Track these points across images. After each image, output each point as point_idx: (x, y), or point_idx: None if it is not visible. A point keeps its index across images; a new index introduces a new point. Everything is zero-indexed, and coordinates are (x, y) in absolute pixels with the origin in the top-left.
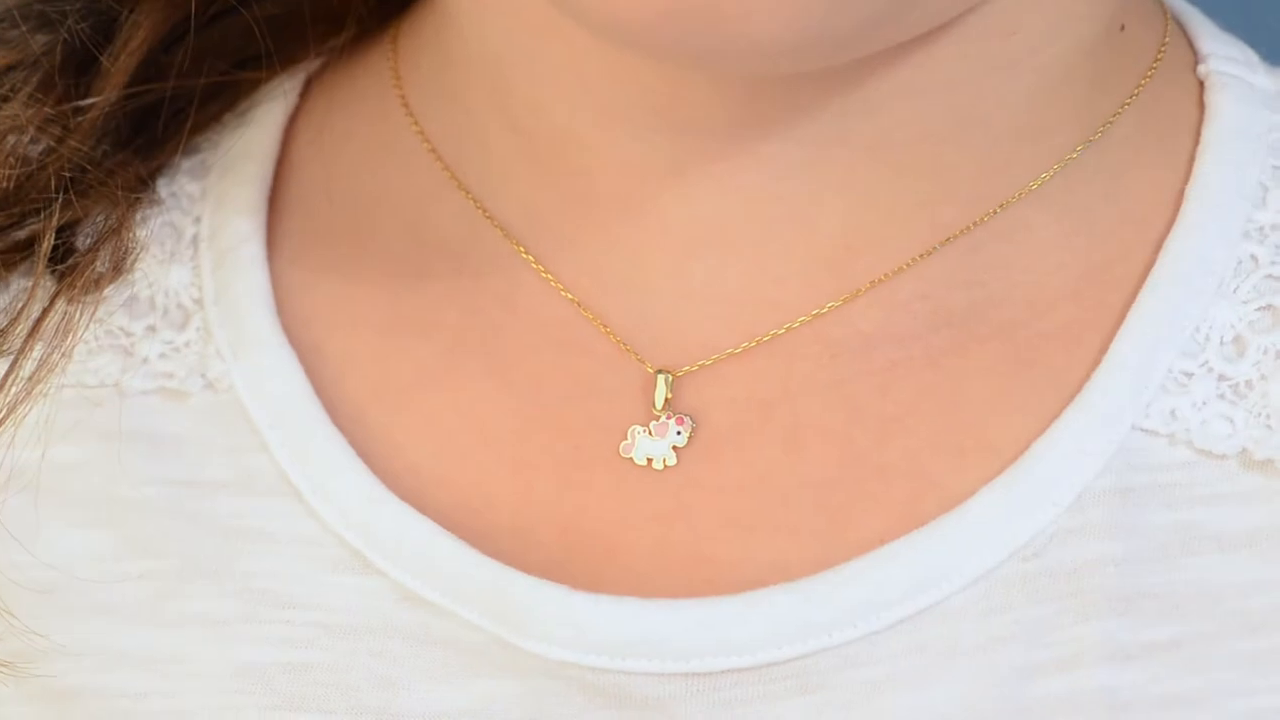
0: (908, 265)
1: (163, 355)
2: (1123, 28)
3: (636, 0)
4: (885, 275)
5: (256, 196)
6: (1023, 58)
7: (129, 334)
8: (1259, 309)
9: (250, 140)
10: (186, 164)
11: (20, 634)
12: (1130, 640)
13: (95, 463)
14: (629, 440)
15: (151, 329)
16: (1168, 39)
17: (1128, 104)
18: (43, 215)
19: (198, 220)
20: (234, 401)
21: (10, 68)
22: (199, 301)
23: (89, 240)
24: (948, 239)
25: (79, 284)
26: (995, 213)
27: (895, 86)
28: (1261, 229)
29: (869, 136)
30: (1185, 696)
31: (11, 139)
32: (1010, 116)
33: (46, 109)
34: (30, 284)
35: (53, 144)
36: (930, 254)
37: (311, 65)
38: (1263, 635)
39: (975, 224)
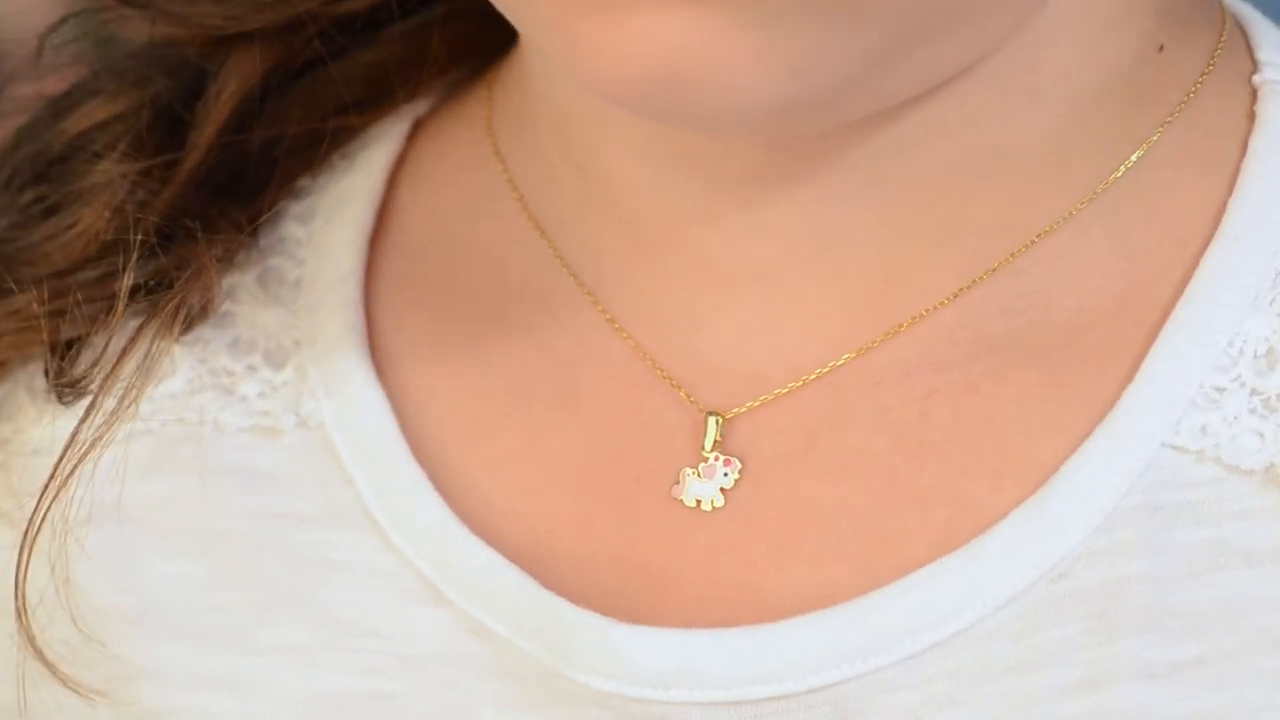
0: (950, 297)
1: (261, 394)
2: (1161, 48)
3: (613, 67)
4: (928, 307)
5: (358, 238)
6: (1046, 89)
7: (230, 373)
8: None
9: (356, 185)
10: (295, 209)
11: (110, 660)
12: (1157, 658)
13: (192, 495)
14: (680, 483)
15: (252, 369)
16: (1219, 51)
17: (1168, 122)
18: (128, 260)
19: (302, 263)
20: (324, 438)
21: (111, 120)
22: (298, 342)
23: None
24: (989, 269)
25: (162, 319)
26: (1035, 241)
27: (921, 129)
28: None
29: (899, 176)
30: (1212, 713)
31: (108, 191)
32: (1040, 146)
33: (142, 163)
34: (134, 326)
35: (148, 196)
36: (971, 285)
37: (419, 108)
38: None
39: (1015, 253)
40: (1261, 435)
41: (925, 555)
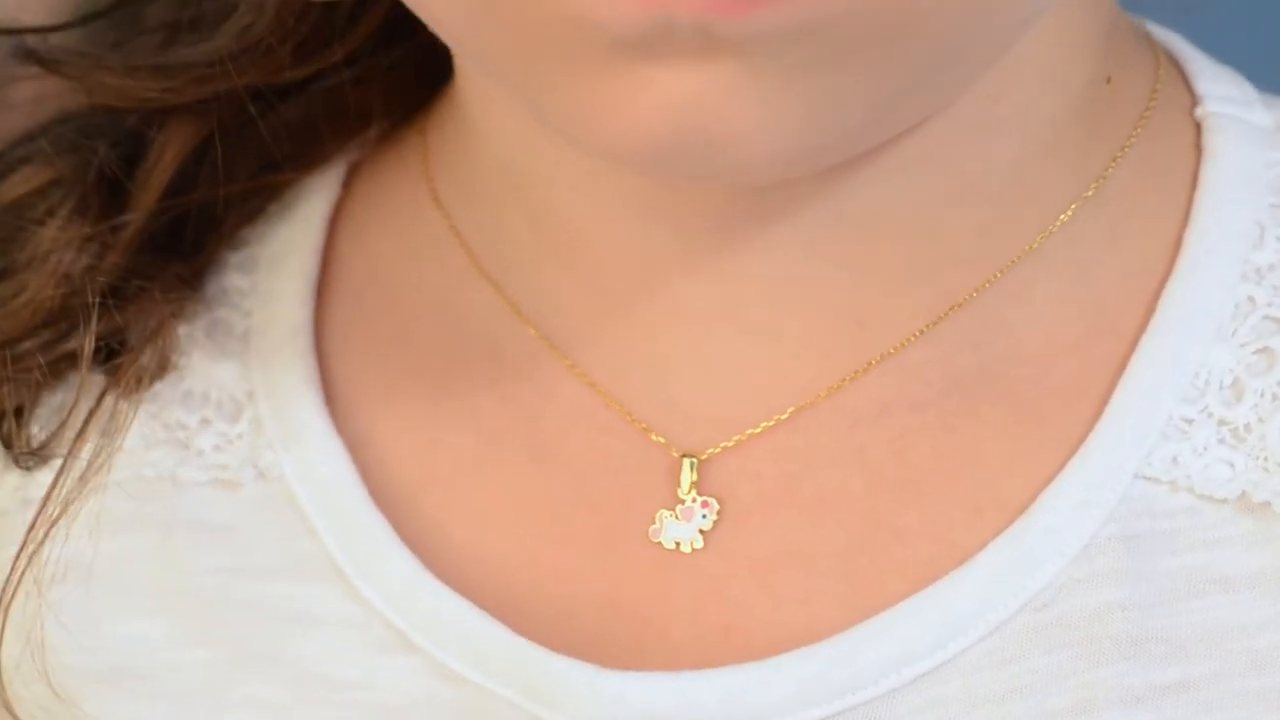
0: (919, 333)
1: (217, 447)
2: (1109, 80)
3: (632, 129)
4: (897, 344)
5: (304, 290)
6: (1009, 121)
7: (184, 427)
8: (1256, 351)
9: (296, 234)
10: (235, 259)
11: None
12: (1140, 683)
13: (153, 553)
14: (657, 525)
15: (206, 422)
16: (1159, 84)
17: (1119, 156)
18: (86, 327)
19: (248, 315)
20: (284, 490)
21: (47, 186)
22: (250, 395)
23: (133, 341)
24: (954, 305)
25: (124, 383)
26: (998, 276)
27: (886, 164)
28: (1259, 270)
29: (862, 215)
30: None
31: (54, 258)
32: (1003, 180)
33: (85, 229)
34: (93, 388)
35: (94, 260)
36: (939, 320)
37: (353, 155)
38: (1268, 673)
39: (980, 288)
40: (1232, 465)
41: (907, 591)
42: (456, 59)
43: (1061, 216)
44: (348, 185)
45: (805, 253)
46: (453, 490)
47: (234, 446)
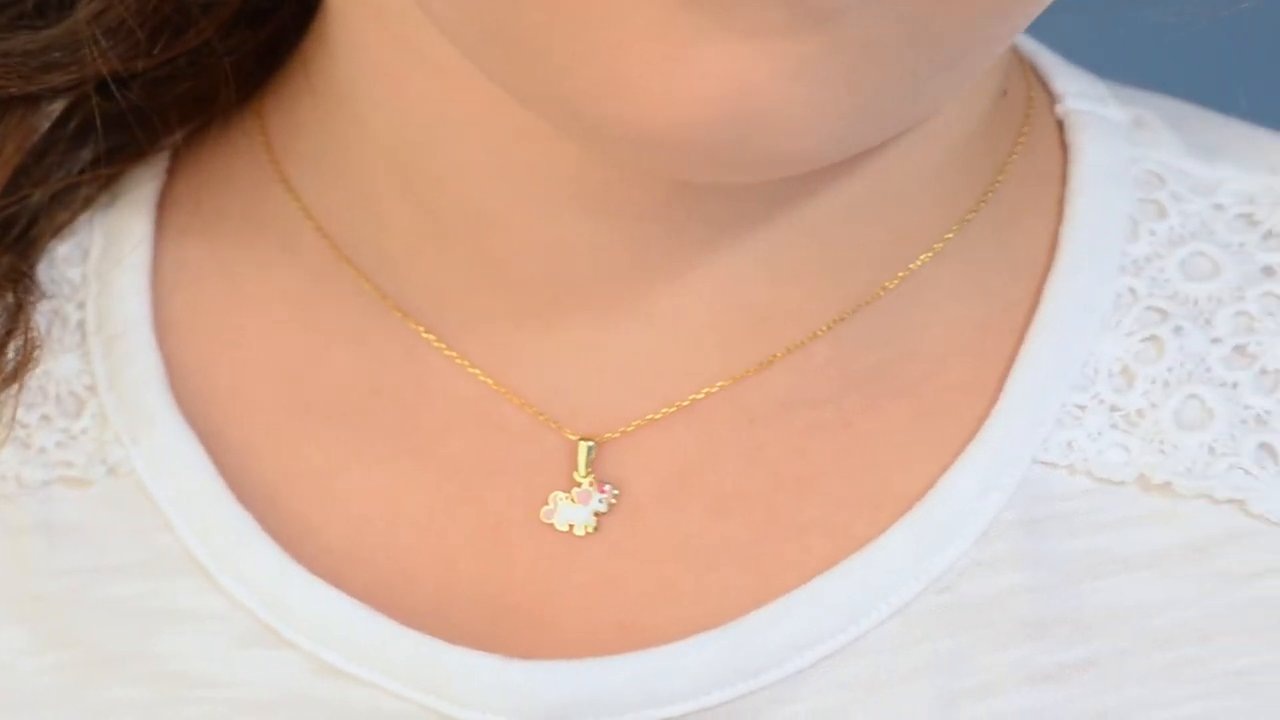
0: (821, 331)
1: (59, 444)
2: (1005, 93)
3: (674, 110)
4: (799, 341)
5: (139, 279)
6: (939, 133)
7: (23, 425)
8: (1143, 340)
9: (125, 222)
10: (63, 249)
11: None
12: (1047, 662)
13: (1, 558)
14: (550, 506)
15: (46, 418)
16: (1032, 89)
17: (1008, 162)
18: None
19: (81, 306)
20: (136, 485)
21: None
22: (91, 388)
23: None
24: (858, 304)
25: None
26: (902, 277)
27: (825, 171)
28: (1136, 262)
29: (792, 216)
30: (1106, 713)
31: None
32: (923, 188)
33: None
34: None
35: None
36: (842, 319)
37: (175, 138)
38: (1172, 648)
39: (884, 289)
40: (1127, 449)
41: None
42: (342, 34)
43: (965, 218)
44: (174, 169)
45: (728, 251)
46: (320, 487)
47: (78, 443)
